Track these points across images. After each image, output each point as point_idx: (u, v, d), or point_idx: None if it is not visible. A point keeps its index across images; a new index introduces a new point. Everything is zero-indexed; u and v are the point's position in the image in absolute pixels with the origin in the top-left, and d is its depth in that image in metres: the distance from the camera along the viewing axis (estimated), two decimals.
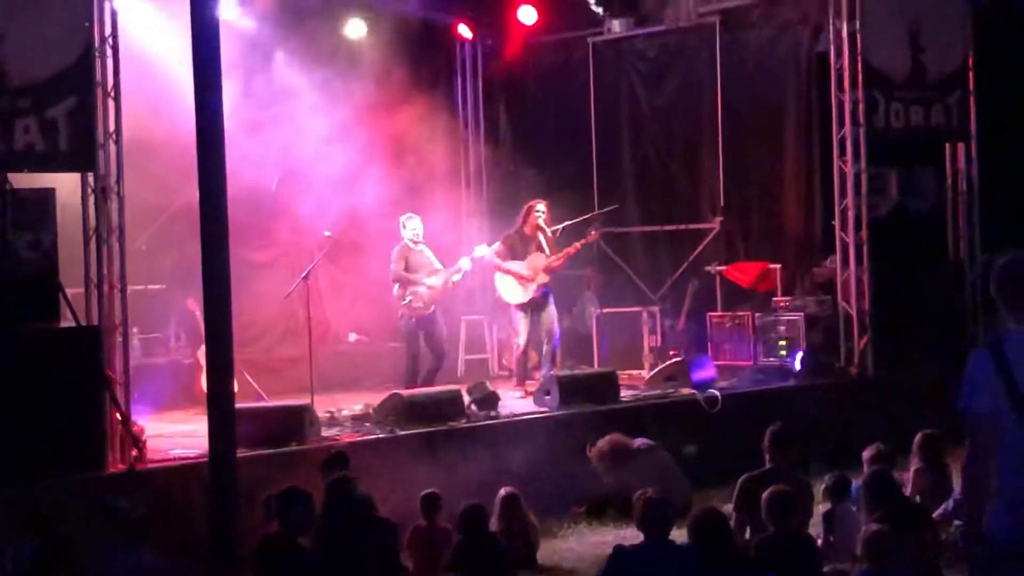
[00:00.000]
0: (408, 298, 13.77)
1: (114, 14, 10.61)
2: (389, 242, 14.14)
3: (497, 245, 14.19)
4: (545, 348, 14.22)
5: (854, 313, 14.46)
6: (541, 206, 14.21)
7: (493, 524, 9.24)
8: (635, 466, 11.29)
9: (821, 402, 13.47)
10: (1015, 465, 5.28)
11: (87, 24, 10.30)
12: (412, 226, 13.95)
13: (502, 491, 9.42)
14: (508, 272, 14.10)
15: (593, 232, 14.55)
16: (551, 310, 14.20)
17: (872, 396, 13.78)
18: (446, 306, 14.57)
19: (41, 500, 9.55)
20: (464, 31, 17.59)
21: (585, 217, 15.17)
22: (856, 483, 9.20)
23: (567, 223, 14.75)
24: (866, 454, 9.59)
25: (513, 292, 14.15)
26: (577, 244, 14.26)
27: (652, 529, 7.44)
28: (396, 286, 13.89)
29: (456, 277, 13.99)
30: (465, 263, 13.97)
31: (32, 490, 9.55)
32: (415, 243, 13.93)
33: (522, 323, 14.16)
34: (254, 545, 7.71)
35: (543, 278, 14.04)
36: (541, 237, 14.15)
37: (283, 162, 15.23)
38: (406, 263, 13.86)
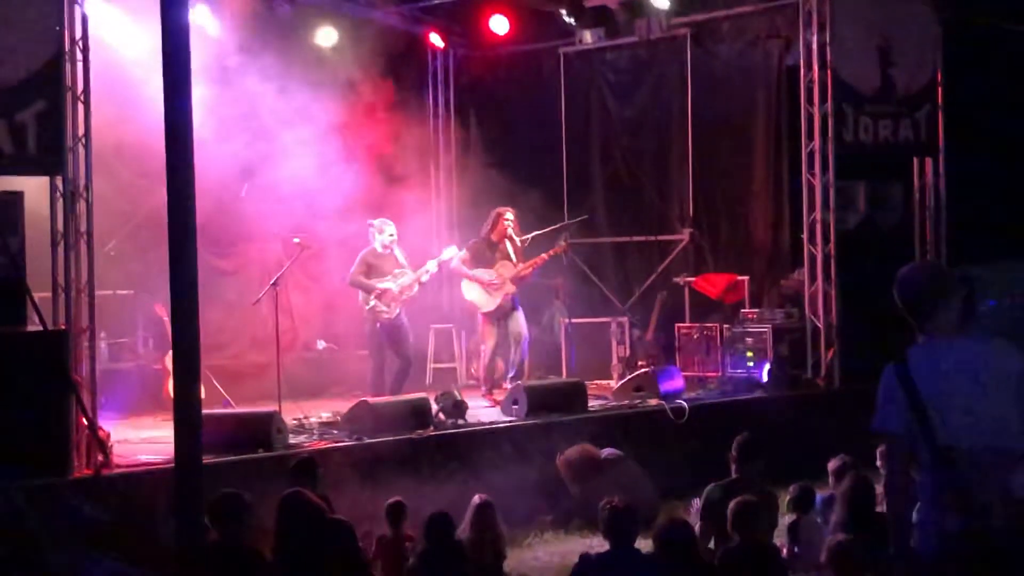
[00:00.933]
0: (372, 303, 13.75)
1: (84, 18, 10.59)
2: (357, 248, 14.12)
3: (463, 252, 14.20)
4: (513, 356, 14.23)
5: (821, 325, 14.54)
6: (510, 214, 14.23)
7: (462, 532, 9.23)
8: (602, 476, 11.31)
9: (787, 413, 13.53)
10: (928, 479, 5.26)
11: (57, 28, 10.28)
12: (390, 231, 13.90)
13: (476, 499, 9.41)
14: (475, 280, 14.11)
15: (562, 243, 14.56)
16: (519, 317, 14.21)
17: (838, 408, 13.81)
18: (414, 314, 14.55)
19: (4, 504, 9.48)
20: (436, 40, 17.61)
21: (555, 227, 15.17)
22: (820, 495, 9.24)
23: (536, 233, 14.77)
24: (831, 465, 9.62)
25: (480, 300, 14.16)
26: (545, 255, 14.27)
27: (617, 537, 7.47)
28: (360, 292, 13.87)
29: (424, 277, 13.94)
30: (432, 265, 13.96)
31: None
32: (385, 247, 13.90)
33: (489, 331, 14.17)
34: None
35: (510, 288, 14.06)
36: (509, 246, 14.15)
37: (252, 169, 15.20)
38: (367, 267, 13.83)
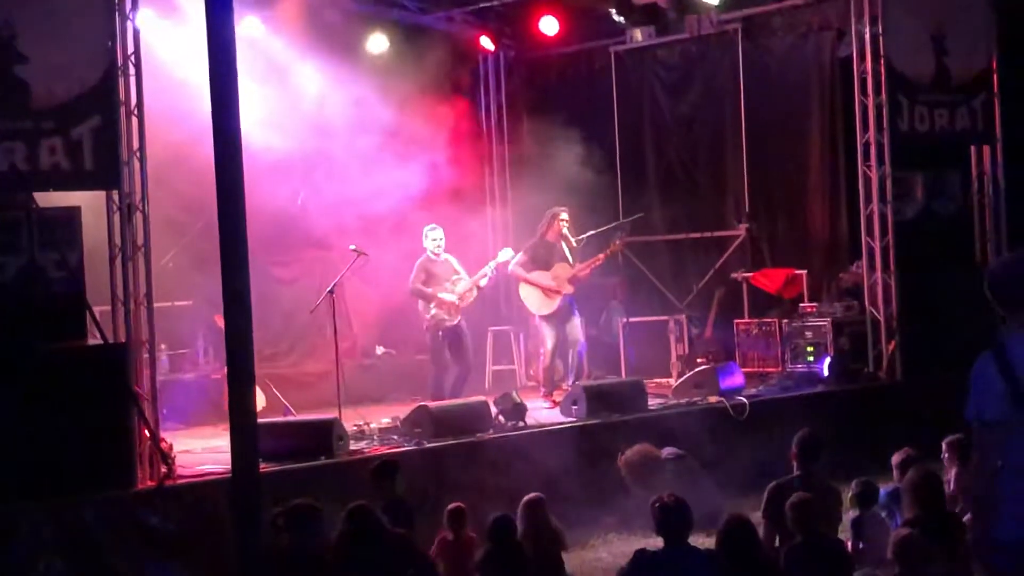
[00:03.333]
0: (433, 310, 13.78)
1: (136, 33, 10.66)
2: (414, 255, 14.15)
3: (520, 255, 14.19)
4: (571, 358, 14.20)
5: (882, 318, 14.42)
6: (565, 214, 14.20)
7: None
8: (664, 476, 11.26)
9: (849, 407, 13.43)
10: (1020, 470, 5.20)
11: (110, 44, 10.38)
12: (434, 236, 13.95)
13: (526, 497, 9.41)
14: (532, 283, 14.10)
15: (617, 242, 14.53)
16: (576, 320, 14.18)
17: (901, 401, 13.73)
18: (473, 317, 14.57)
19: (71, 517, 9.59)
20: (486, 43, 17.61)
21: (610, 226, 15.16)
22: (884, 489, 9.15)
23: (592, 232, 14.76)
24: (895, 459, 9.53)
25: (538, 303, 14.14)
26: (602, 254, 14.24)
27: (669, 534, 7.42)
28: (420, 301, 13.89)
29: (483, 282, 13.97)
30: (489, 268, 13.97)
31: (62, 507, 9.60)
32: (436, 254, 13.93)
33: (548, 333, 14.15)
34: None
35: (568, 288, 14.03)
36: (564, 246, 14.13)
37: (308, 177, 15.28)
38: (426, 275, 13.86)
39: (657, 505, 7.48)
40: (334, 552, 8.20)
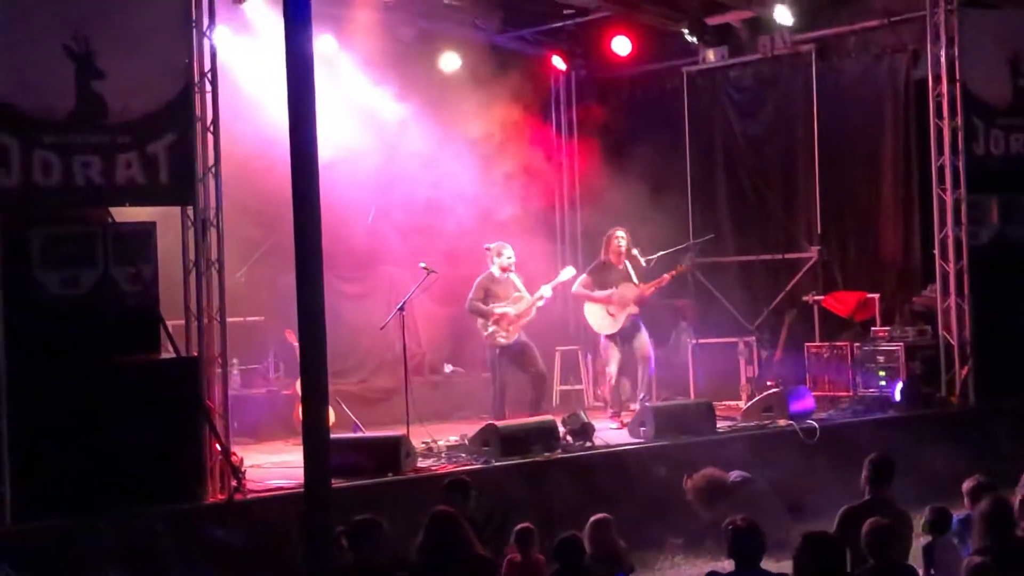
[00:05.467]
0: (490, 328, 13.77)
1: (213, 50, 10.75)
2: (483, 272, 14.15)
3: (584, 276, 14.17)
4: (640, 376, 14.14)
5: (955, 342, 14.28)
6: (621, 232, 14.18)
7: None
8: (732, 500, 11.17)
9: (922, 433, 13.28)
10: None
11: (186, 60, 10.47)
12: (508, 254, 13.94)
13: (593, 517, 9.38)
14: (597, 302, 14.07)
15: (681, 265, 14.46)
16: (643, 337, 14.13)
17: (974, 426, 13.57)
18: (540, 336, 14.54)
19: (142, 529, 9.66)
20: (558, 63, 17.63)
21: (680, 247, 15.12)
22: (957, 516, 9.04)
23: (662, 253, 14.72)
24: (966, 486, 9.40)
25: (601, 323, 14.12)
26: (667, 275, 14.19)
27: (741, 557, 7.36)
28: (479, 318, 13.88)
29: (540, 303, 13.92)
30: (547, 289, 13.91)
31: (133, 519, 9.67)
32: (504, 271, 13.92)
33: (613, 353, 14.12)
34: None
35: (632, 309, 13.99)
36: (629, 266, 14.10)
37: (379, 194, 15.35)
38: (485, 293, 13.84)
39: (730, 528, 7.42)
40: (416, 560, 8.19)
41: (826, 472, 11.94)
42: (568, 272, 14.19)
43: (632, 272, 14.11)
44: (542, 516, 10.16)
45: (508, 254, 13.93)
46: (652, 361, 14.23)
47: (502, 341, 13.76)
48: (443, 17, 16.04)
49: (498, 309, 13.74)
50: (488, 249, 14.03)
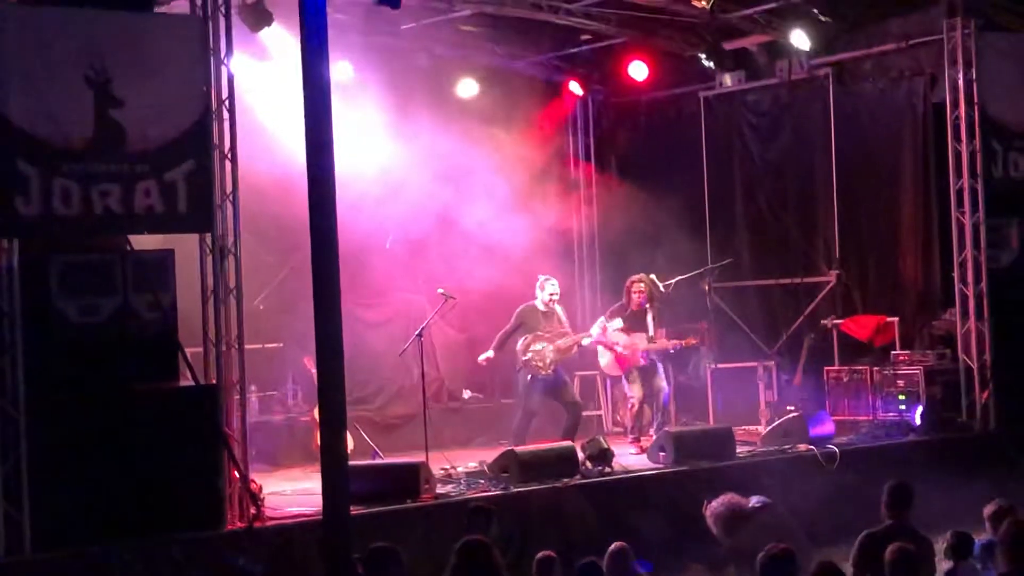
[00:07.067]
0: (529, 355, 13.76)
1: (231, 77, 10.78)
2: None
3: (619, 322, 14.16)
4: (656, 405, 14.16)
5: (975, 366, 14.23)
6: (639, 284, 14.26)
7: None
8: (751, 525, 11.12)
9: (942, 457, 13.22)
10: None
11: (204, 88, 10.50)
12: (551, 290, 13.97)
13: (612, 546, 9.35)
14: (607, 347, 14.20)
15: (692, 338, 14.47)
16: (660, 371, 14.21)
17: (995, 451, 13.50)
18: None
19: (161, 558, 9.66)
20: (575, 88, 17.65)
21: (698, 271, 15.09)
22: (979, 541, 8.98)
23: (680, 277, 14.71)
24: (987, 511, 9.35)
25: (610, 365, 14.27)
26: (680, 342, 14.26)
27: None
28: (519, 341, 13.88)
29: (585, 342, 14.16)
30: (595, 329, 14.17)
31: (152, 548, 9.67)
32: (547, 304, 13.95)
33: (635, 384, 14.13)
34: None
35: (639, 359, 14.09)
36: (649, 315, 14.14)
37: (396, 221, 15.36)
38: (520, 323, 13.86)
39: (768, 554, 7.37)
40: None
41: (846, 497, 11.89)
42: (615, 324, 14.19)
43: (650, 321, 14.13)
44: (561, 542, 10.12)
45: (551, 289, 13.99)
46: (666, 395, 14.36)
47: (540, 371, 13.75)
48: (460, 43, 16.09)
49: (537, 345, 13.74)
50: (538, 279, 14.12)
